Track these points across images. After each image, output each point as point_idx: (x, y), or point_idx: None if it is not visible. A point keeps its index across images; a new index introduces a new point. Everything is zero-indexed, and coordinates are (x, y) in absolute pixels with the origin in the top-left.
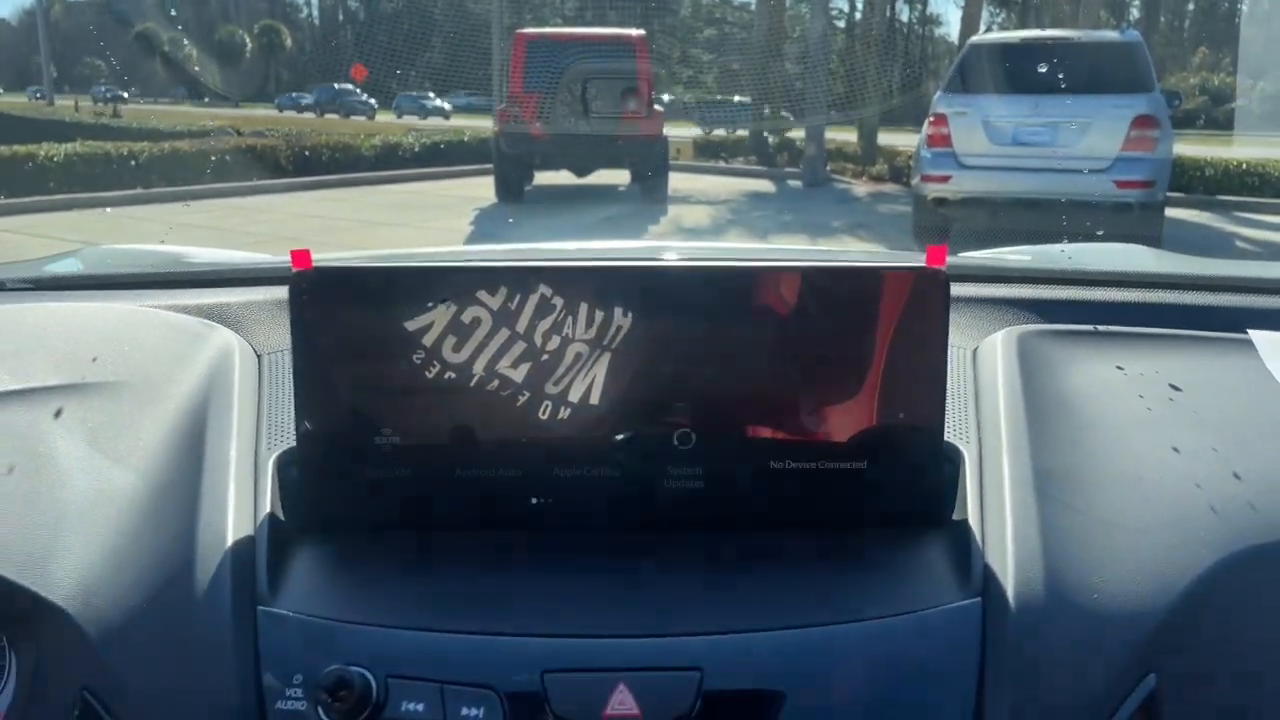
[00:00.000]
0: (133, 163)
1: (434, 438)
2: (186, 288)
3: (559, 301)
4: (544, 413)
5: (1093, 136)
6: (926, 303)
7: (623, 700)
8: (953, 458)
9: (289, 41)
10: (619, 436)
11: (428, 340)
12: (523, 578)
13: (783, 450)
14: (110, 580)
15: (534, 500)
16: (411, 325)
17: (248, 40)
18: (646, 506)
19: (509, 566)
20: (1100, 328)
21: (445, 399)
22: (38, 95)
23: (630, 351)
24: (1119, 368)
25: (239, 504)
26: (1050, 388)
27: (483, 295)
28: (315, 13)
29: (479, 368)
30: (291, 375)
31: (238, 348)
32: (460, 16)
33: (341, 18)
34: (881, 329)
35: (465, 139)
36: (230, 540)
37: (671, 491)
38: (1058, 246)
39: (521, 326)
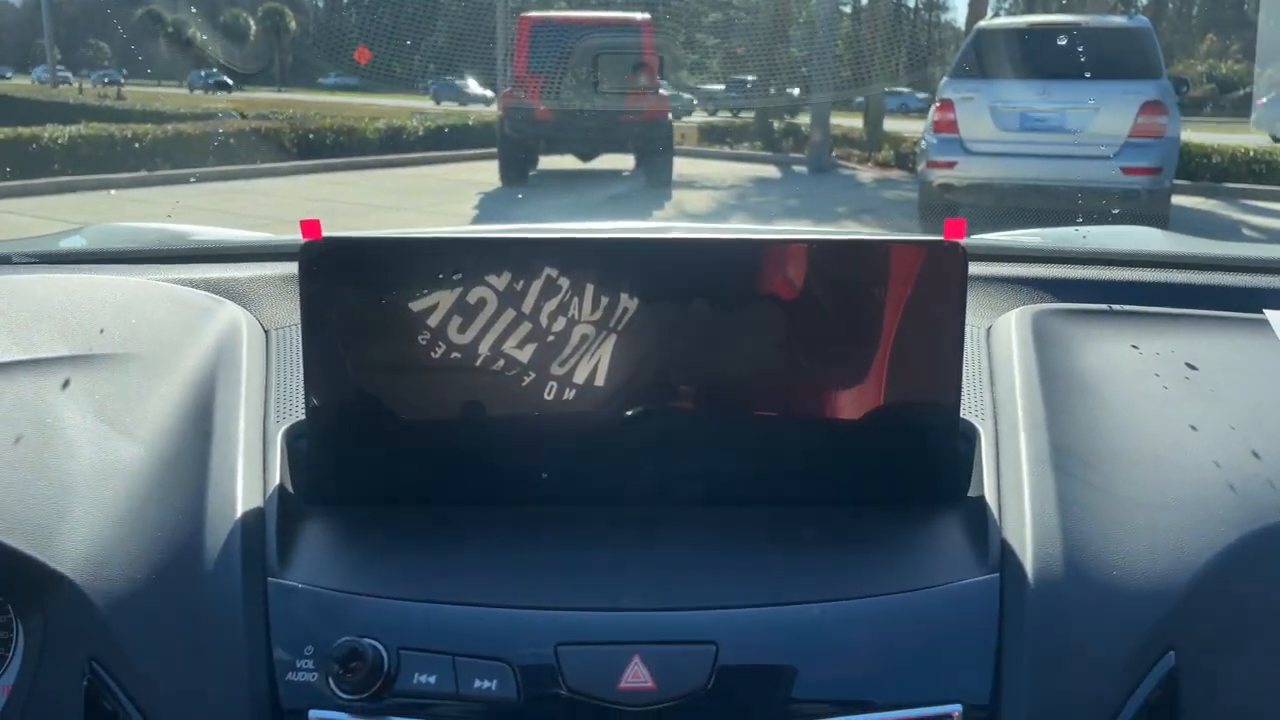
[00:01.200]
0: (136, 145)
1: (443, 411)
2: (194, 262)
3: (565, 282)
4: (549, 393)
5: (1100, 122)
6: (944, 277)
7: (637, 673)
8: (969, 435)
9: (293, 24)
10: (629, 412)
11: (433, 320)
12: (534, 551)
13: (795, 427)
14: (118, 551)
15: (543, 475)
16: (417, 306)
17: (252, 23)
18: (657, 482)
19: (520, 540)
20: (1115, 307)
21: (453, 375)
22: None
23: (637, 330)
24: (1134, 347)
25: (248, 476)
26: (1066, 366)
27: (490, 277)
28: None
29: (485, 348)
30: (300, 349)
31: (245, 322)
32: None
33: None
34: (897, 304)
35: (470, 123)
36: (239, 512)
37: (683, 467)
38: (1070, 228)
39: (528, 307)
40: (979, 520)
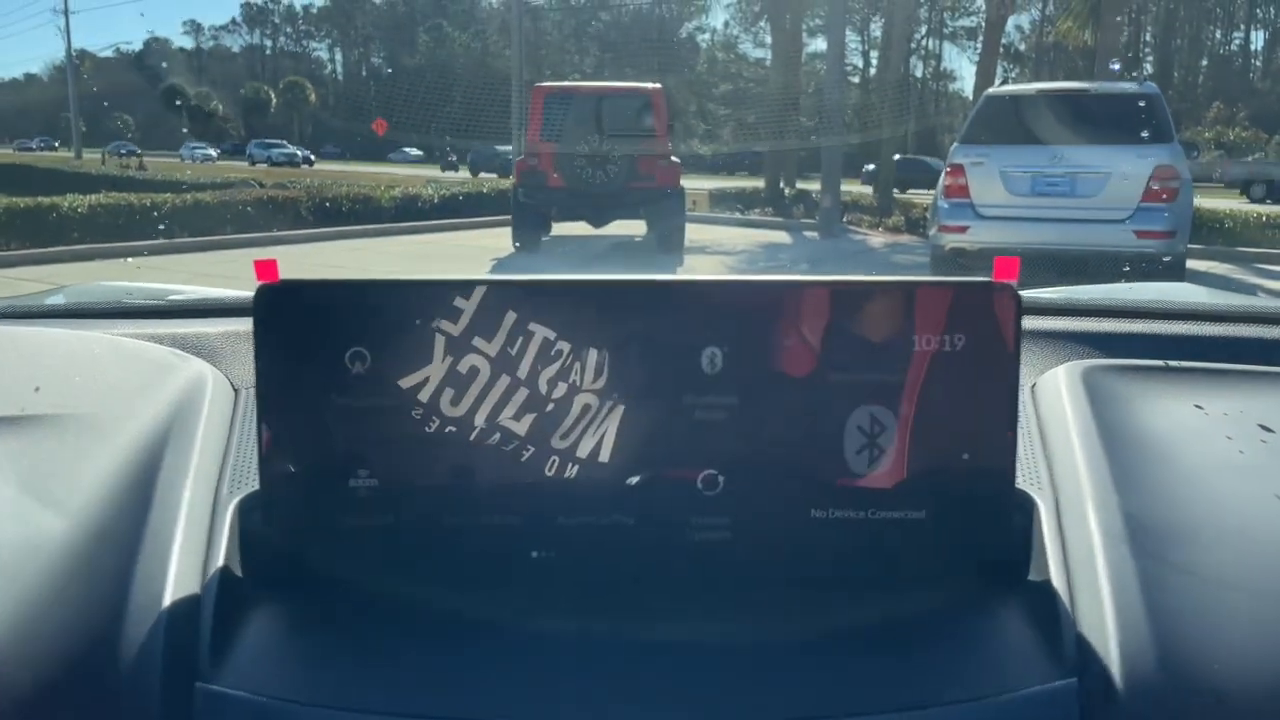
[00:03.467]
0: (155, 214)
1: (421, 479)
2: (164, 318)
3: (565, 346)
4: (550, 469)
5: (1112, 187)
6: (995, 322)
7: None
8: (1024, 506)
9: (313, 96)
10: (633, 479)
11: (414, 383)
12: (523, 651)
13: (825, 496)
14: (28, 646)
15: (534, 554)
16: (395, 364)
17: (273, 96)
18: (666, 562)
19: (506, 636)
20: (1172, 363)
21: (437, 443)
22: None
23: (646, 392)
24: (1198, 406)
25: (185, 554)
26: (1125, 428)
27: (478, 340)
28: (339, 69)
29: (480, 419)
30: (256, 407)
31: (211, 380)
32: (480, 72)
33: (365, 74)
34: (942, 355)
35: (484, 190)
36: (169, 599)
37: (695, 544)
38: (1105, 285)
39: (523, 373)
40: (1047, 610)
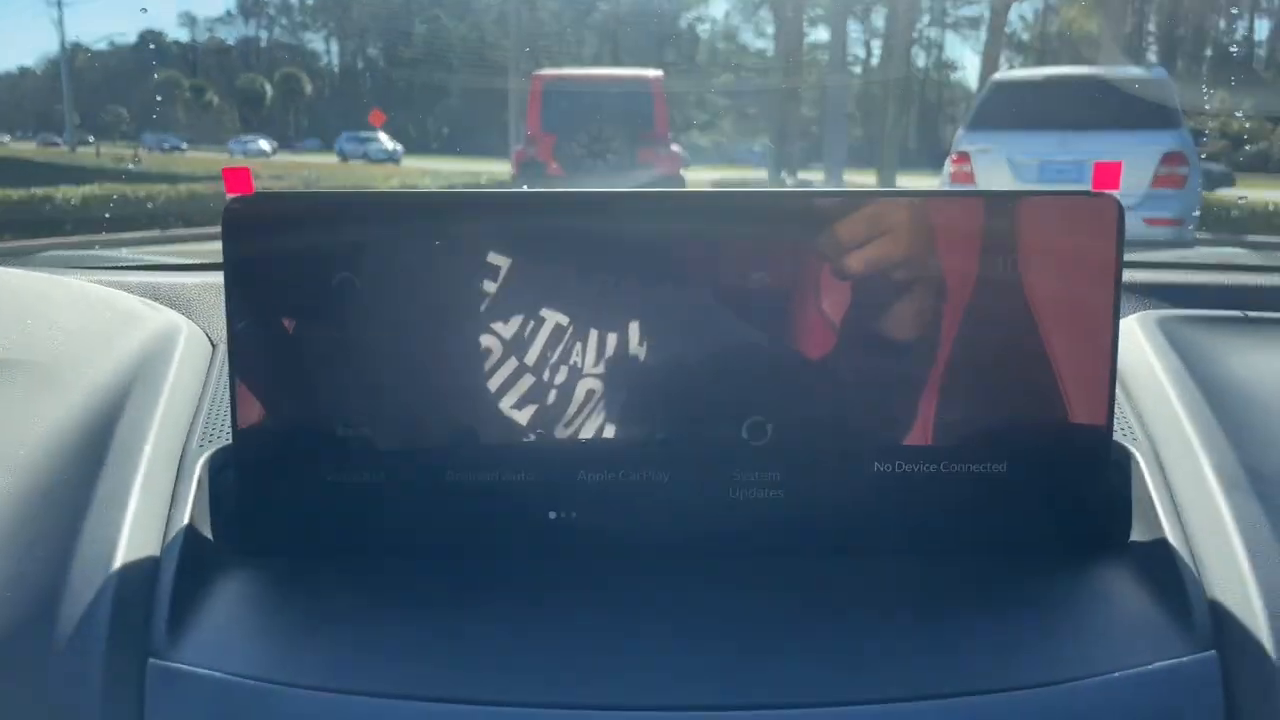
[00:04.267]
0: (149, 205)
1: (418, 430)
2: (142, 271)
3: (571, 327)
4: (571, 413)
5: (1121, 173)
6: (1093, 243)
7: None
8: (1119, 461)
9: (309, 88)
10: (667, 430)
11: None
12: (536, 622)
13: (891, 447)
14: None
15: (552, 514)
16: (392, 285)
17: (268, 87)
18: (706, 524)
19: (514, 606)
20: (1250, 314)
21: (435, 394)
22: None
23: (677, 317)
24: None
25: (144, 514)
26: (1219, 377)
27: (496, 325)
28: (335, 60)
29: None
30: (226, 347)
31: (185, 331)
32: (478, 61)
33: (361, 65)
34: (1026, 281)
35: (483, 181)
36: (120, 562)
37: (740, 503)
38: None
39: (531, 358)
40: (1164, 572)
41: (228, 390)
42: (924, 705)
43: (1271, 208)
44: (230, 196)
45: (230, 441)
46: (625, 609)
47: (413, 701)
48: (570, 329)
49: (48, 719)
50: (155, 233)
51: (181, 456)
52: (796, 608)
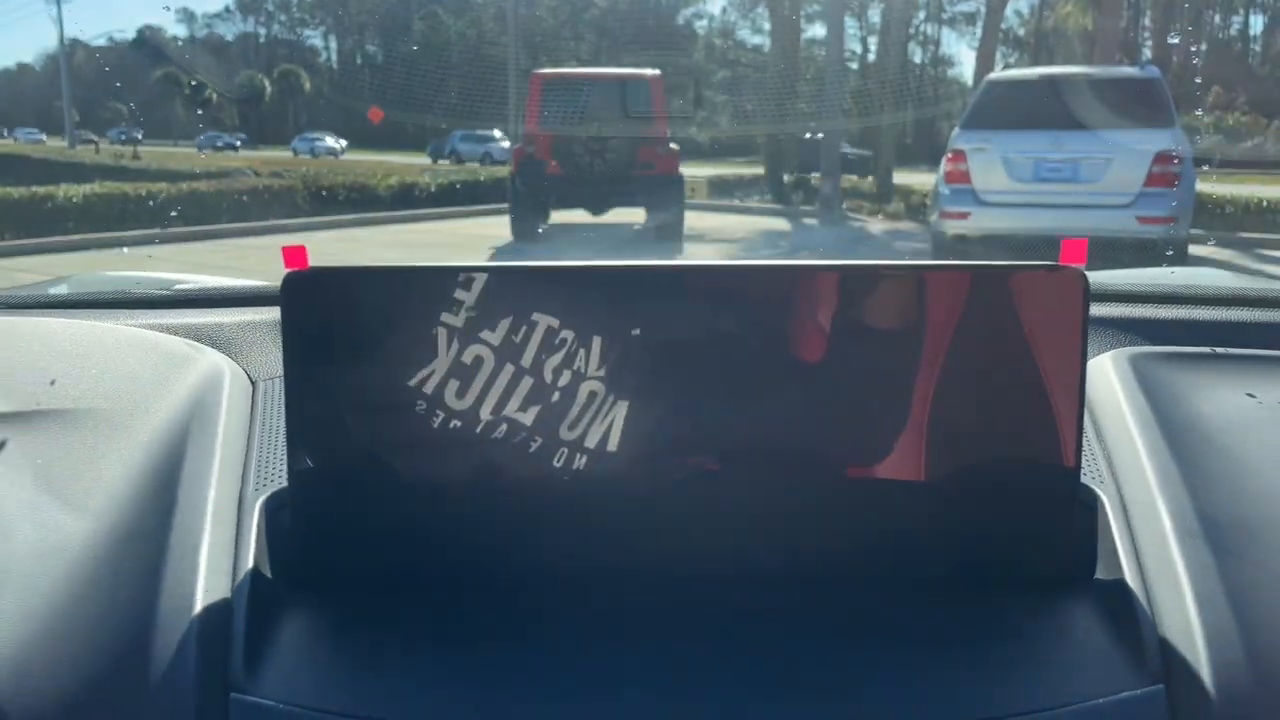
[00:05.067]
0: (150, 203)
1: (452, 473)
2: (176, 308)
3: (569, 334)
4: (559, 460)
5: (1114, 172)
6: (1061, 309)
7: None
8: (1087, 502)
9: (308, 85)
10: (661, 467)
11: (428, 389)
12: (575, 653)
13: (875, 494)
14: (50, 656)
15: (578, 558)
16: (412, 381)
17: (267, 84)
18: (706, 563)
19: (556, 637)
20: (1219, 350)
21: (459, 439)
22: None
23: (657, 379)
24: (1251, 395)
25: (214, 556)
26: (1182, 418)
27: (484, 333)
28: (334, 57)
29: (486, 412)
30: (285, 400)
31: (229, 372)
32: (476, 59)
33: (360, 61)
34: (1003, 342)
35: (481, 179)
36: (200, 605)
37: (725, 535)
38: (1129, 270)
39: (528, 361)
40: (1122, 611)
41: (274, 431)
42: None
43: (1265, 204)
44: (288, 270)
45: (283, 482)
46: (657, 639)
47: None
48: (601, 391)
49: None
50: (155, 231)
51: (240, 498)
52: (777, 635)
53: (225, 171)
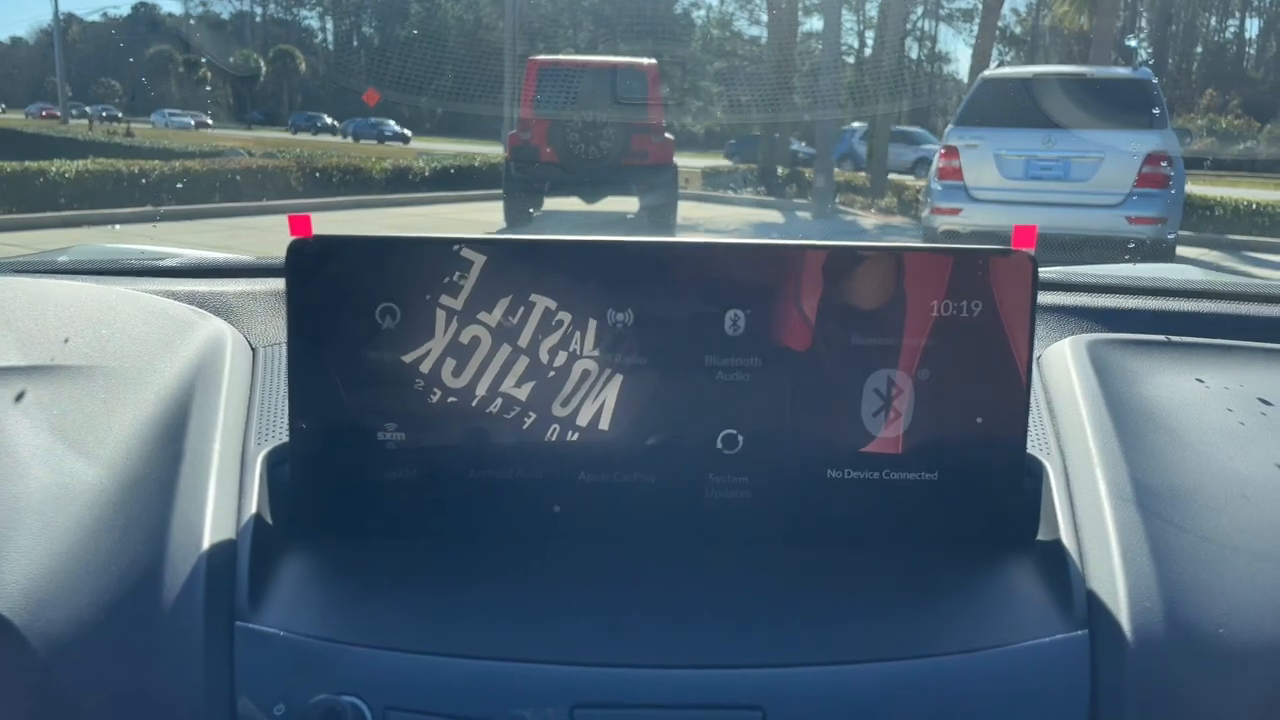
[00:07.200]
0: (143, 180)
1: (445, 434)
2: (179, 277)
3: (566, 317)
4: (552, 433)
5: (1105, 172)
6: (1012, 291)
7: None
8: (1034, 471)
9: (303, 66)
10: (653, 439)
11: (425, 367)
12: (547, 595)
13: (841, 458)
14: (66, 588)
15: (555, 508)
16: (409, 357)
17: (263, 64)
18: (686, 518)
19: (530, 582)
20: (1173, 338)
21: (456, 401)
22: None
23: (647, 349)
24: (1199, 380)
25: (220, 503)
26: (1130, 399)
27: (482, 314)
28: (330, 38)
29: (482, 388)
30: (286, 365)
31: (230, 338)
32: (473, 44)
33: (356, 43)
34: (958, 320)
35: (476, 163)
36: (206, 544)
37: (715, 501)
38: (1102, 265)
39: (524, 341)
40: (1057, 566)
41: (274, 393)
42: (846, 669)
43: (1254, 206)
44: (294, 238)
45: (283, 440)
46: (622, 586)
47: (441, 658)
48: (594, 370)
49: (158, 671)
50: (148, 209)
51: (243, 453)
52: (758, 589)
53: (218, 151)
